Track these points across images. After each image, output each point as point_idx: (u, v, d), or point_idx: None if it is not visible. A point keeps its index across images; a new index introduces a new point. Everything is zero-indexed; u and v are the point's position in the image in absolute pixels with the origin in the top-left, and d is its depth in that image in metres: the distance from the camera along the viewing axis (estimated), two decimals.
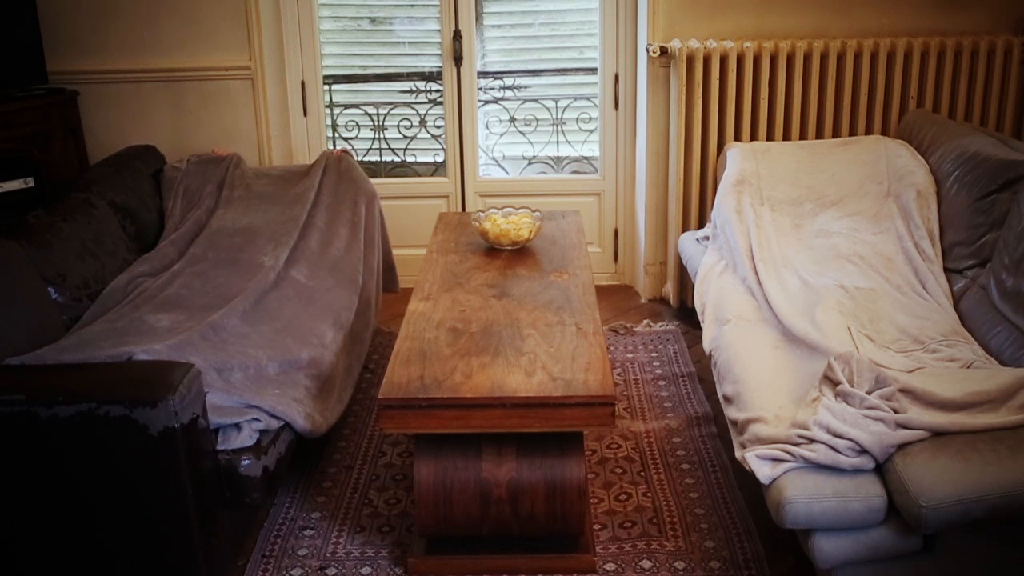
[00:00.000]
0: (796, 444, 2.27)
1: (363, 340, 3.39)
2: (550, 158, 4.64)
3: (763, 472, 2.26)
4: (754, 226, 3.44)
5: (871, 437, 2.21)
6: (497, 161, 4.65)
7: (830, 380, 2.45)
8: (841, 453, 2.21)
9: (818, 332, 2.79)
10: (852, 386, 2.38)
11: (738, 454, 2.44)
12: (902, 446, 2.21)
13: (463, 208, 4.61)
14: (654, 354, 3.92)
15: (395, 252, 4.03)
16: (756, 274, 3.27)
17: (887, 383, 2.39)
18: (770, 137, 4.07)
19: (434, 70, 4.47)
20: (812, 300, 3.02)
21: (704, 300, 3.37)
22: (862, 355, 2.53)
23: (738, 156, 3.77)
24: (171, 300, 3.09)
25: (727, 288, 3.31)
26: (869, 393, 2.36)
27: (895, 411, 2.31)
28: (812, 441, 2.25)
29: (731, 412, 2.66)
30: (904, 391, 2.39)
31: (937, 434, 2.24)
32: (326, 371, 2.93)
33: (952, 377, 2.52)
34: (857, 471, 2.20)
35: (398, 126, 4.59)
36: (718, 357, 2.95)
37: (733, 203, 3.58)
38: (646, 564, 2.63)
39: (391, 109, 4.57)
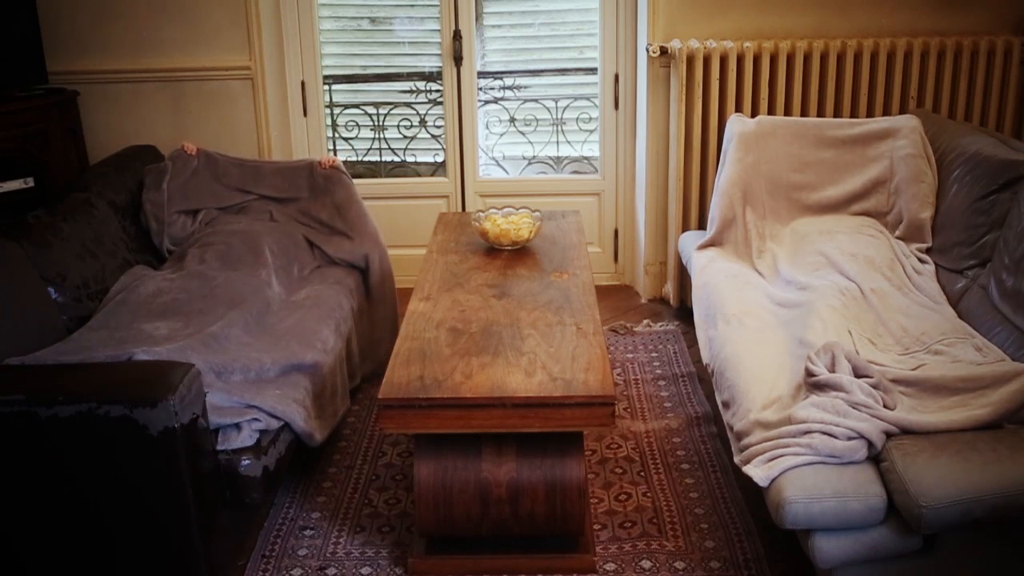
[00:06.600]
0: (793, 437, 2.28)
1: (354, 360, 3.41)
2: (550, 158, 4.64)
3: (759, 475, 2.26)
4: (753, 219, 3.43)
5: (866, 424, 2.23)
6: (497, 161, 4.65)
7: (809, 374, 2.46)
8: (837, 438, 2.22)
9: (815, 334, 2.79)
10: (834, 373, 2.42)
11: (736, 459, 2.45)
12: (898, 440, 2.22)
13: (463, 208, 4.61)
14: (654, 354, 3.92)
15: (395, 252, 3.98)
16: (755, 267, 3.25)
17: (868, 373, 2.40)
18: None
19: (434, 70, 4.47)
20: (812, 299, 3.01)
21: (700, 310, 3.36)
22: (843, 344, 2.54)
23: (739, 146, 3.73)
24: (169, 308, 3.07)
25: (720, 285, 3.29)
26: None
27: (886, 405, 2.34)
28: (806, 433, 2.26)
29: (727, 417, 2.66)
30: (895, 381, 2.40)
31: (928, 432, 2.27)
32: (326, 376, 2.93)
33: (946, 368, 2.54)
34: (855, 465, 2.21)
35: (398, 126, 4.59)
36: (715, 365, 2.95)
37: (733, 198, 3.57)
38: (646, 564, 2.63)
39: (391, 109, 4.56)
